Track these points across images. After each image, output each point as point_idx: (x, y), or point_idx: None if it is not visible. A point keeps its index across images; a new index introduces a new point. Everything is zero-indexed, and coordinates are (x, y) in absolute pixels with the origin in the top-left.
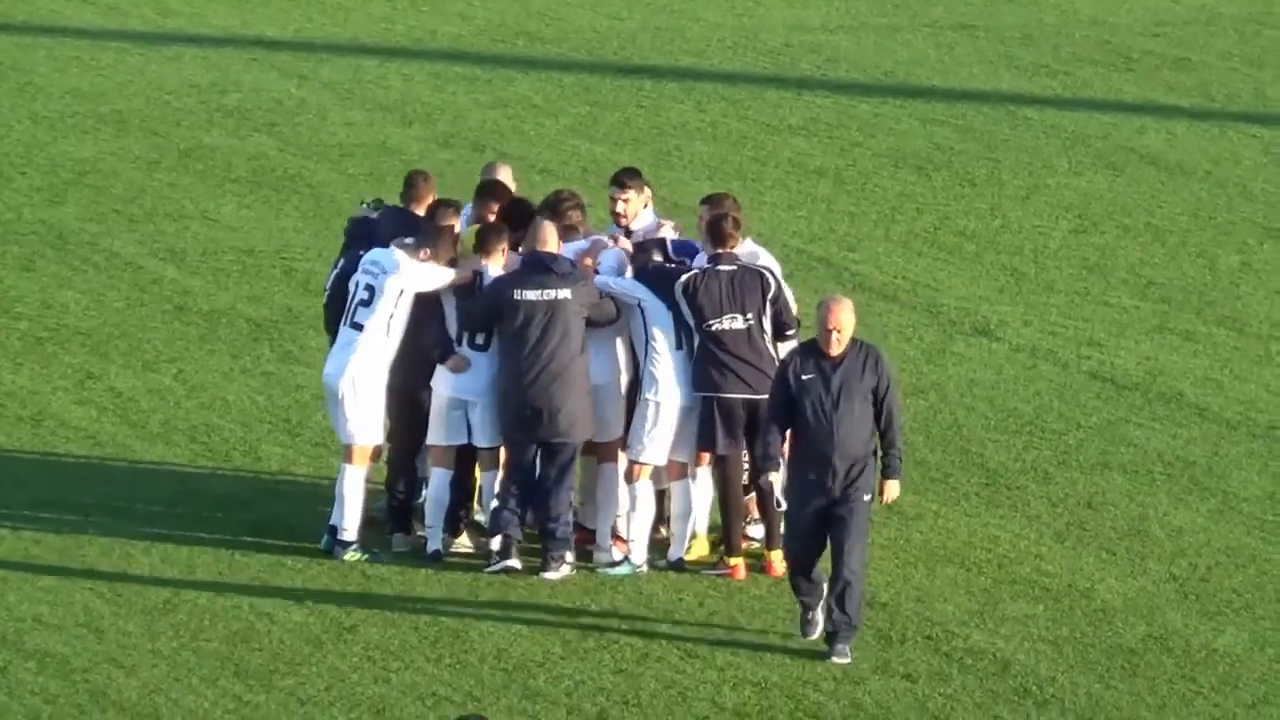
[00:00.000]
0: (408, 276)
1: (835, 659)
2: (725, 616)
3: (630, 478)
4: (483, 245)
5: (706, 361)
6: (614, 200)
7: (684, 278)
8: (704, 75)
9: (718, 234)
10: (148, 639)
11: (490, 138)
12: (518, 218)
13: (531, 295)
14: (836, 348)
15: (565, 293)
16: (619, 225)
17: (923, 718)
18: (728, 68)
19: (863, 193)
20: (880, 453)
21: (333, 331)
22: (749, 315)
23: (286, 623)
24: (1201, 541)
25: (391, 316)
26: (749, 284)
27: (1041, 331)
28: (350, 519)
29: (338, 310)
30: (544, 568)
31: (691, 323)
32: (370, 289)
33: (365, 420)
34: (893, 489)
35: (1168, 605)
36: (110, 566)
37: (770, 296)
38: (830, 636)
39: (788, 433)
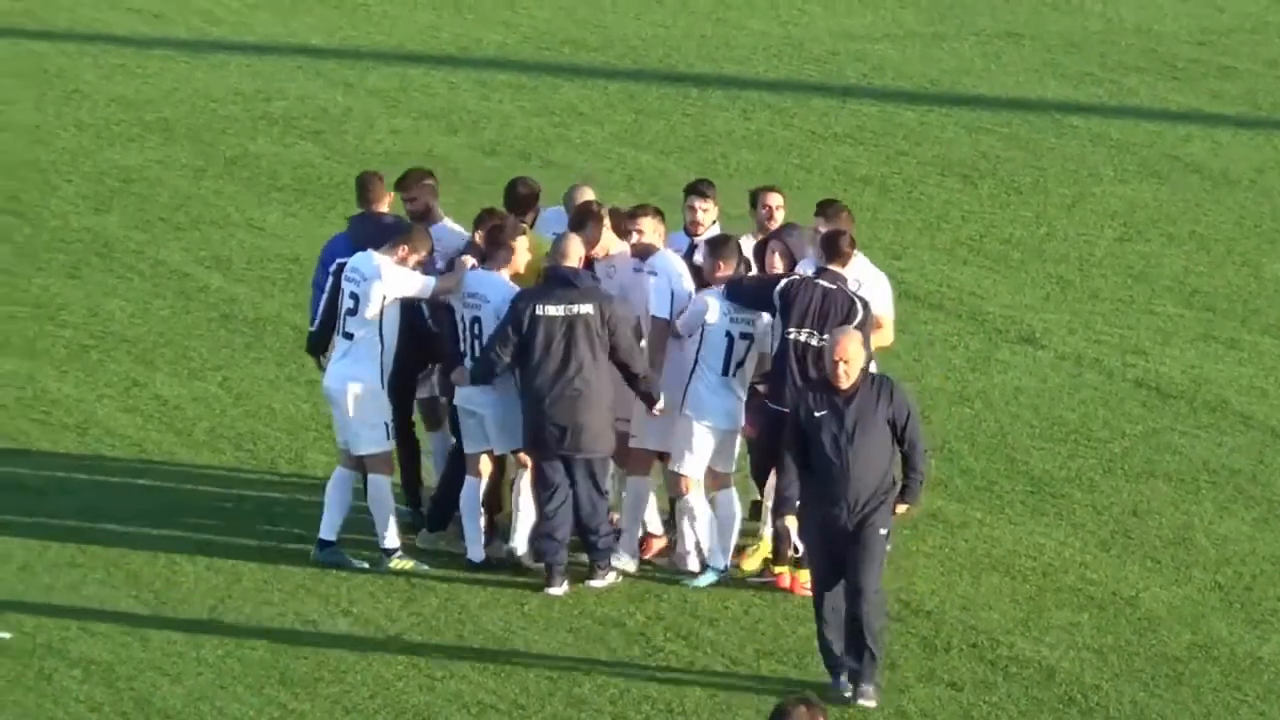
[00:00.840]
0: (389, 282)
1: (861, 701)
2: (770, 624)
3: (680, 490)
4: (489, 255)
5: (782, 373)
6: (693, 209)
7: (784, 282)
8: (749, 83)
9: (832, 250)
10: (192, 647)
11: (536, 145)
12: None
13: (553, 311)
14: (846, 381)
15: (587, 308)
16: (691, 235)
17: None
18: (773, 76)
19: (908, 201)
20: (902, 476)
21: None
22: (825, 336)
23: (331, 630)
24: (1246, 550)
25: (381, 322)
26: (838, 306)
27: (1086, 340)
28: (387, 527)
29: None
30: (590, 576)
31: (779, 329)
32: (355, 297)
33: (366, 428)
34: (907, 513)
35: (1212, 614)
36: (155, 574)
37: (855, 324)
38: (854, 676)
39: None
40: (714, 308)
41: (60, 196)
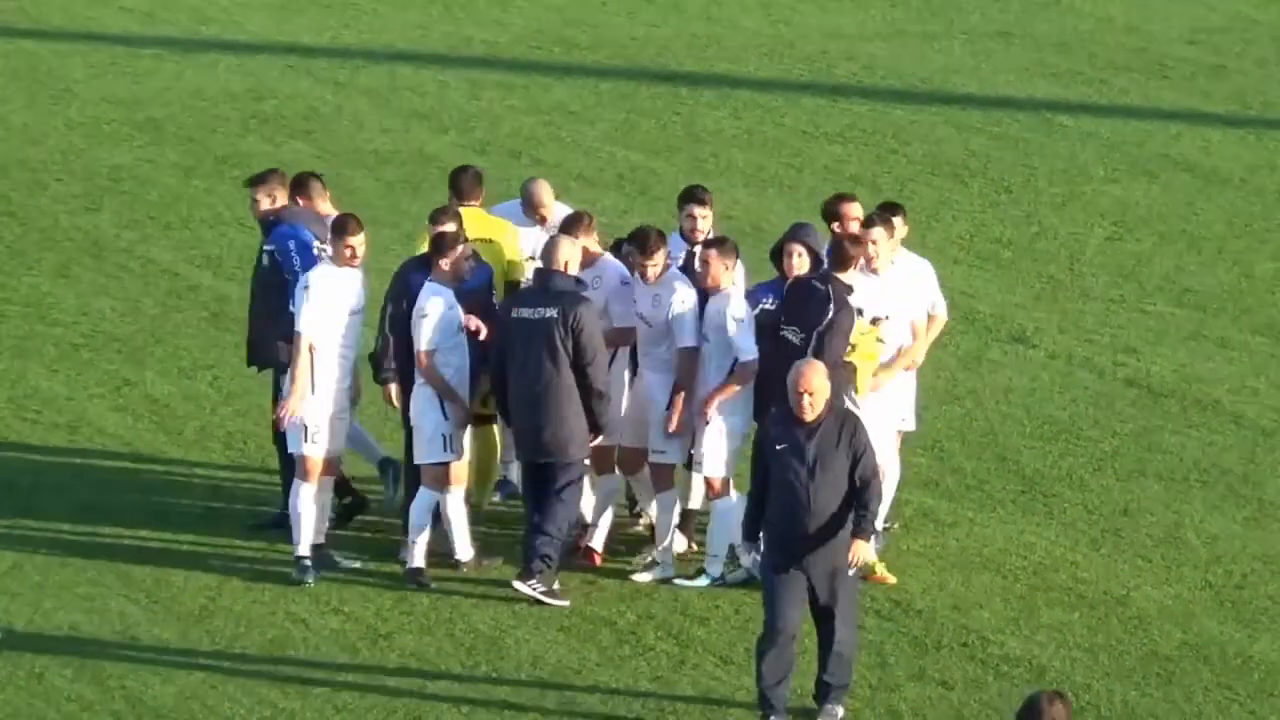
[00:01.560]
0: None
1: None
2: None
3: (712, 491)
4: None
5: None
6: (693, 217)
7: (790, 279)
8: (740, 82)
9: (835, 255)
10: (183, 645)
11: (526, 145)
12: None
13: (525, 314)
14: (810, 413)
15: (551, 312)
16: (690, 242)
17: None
18: (764, 75)
19: (899, 200)
20: (853, 513)
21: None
22: (803, 335)
23: (322, 630)
24: (1237, 549)
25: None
26: (818, 305)
27: (1077, 339)
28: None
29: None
30: (518, 577)
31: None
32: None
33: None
34: (862, 550)
35: (1203, 613)
36: (146, 573)
37: (822, 327)
38: (822, 689)
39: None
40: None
41: (50, 195)
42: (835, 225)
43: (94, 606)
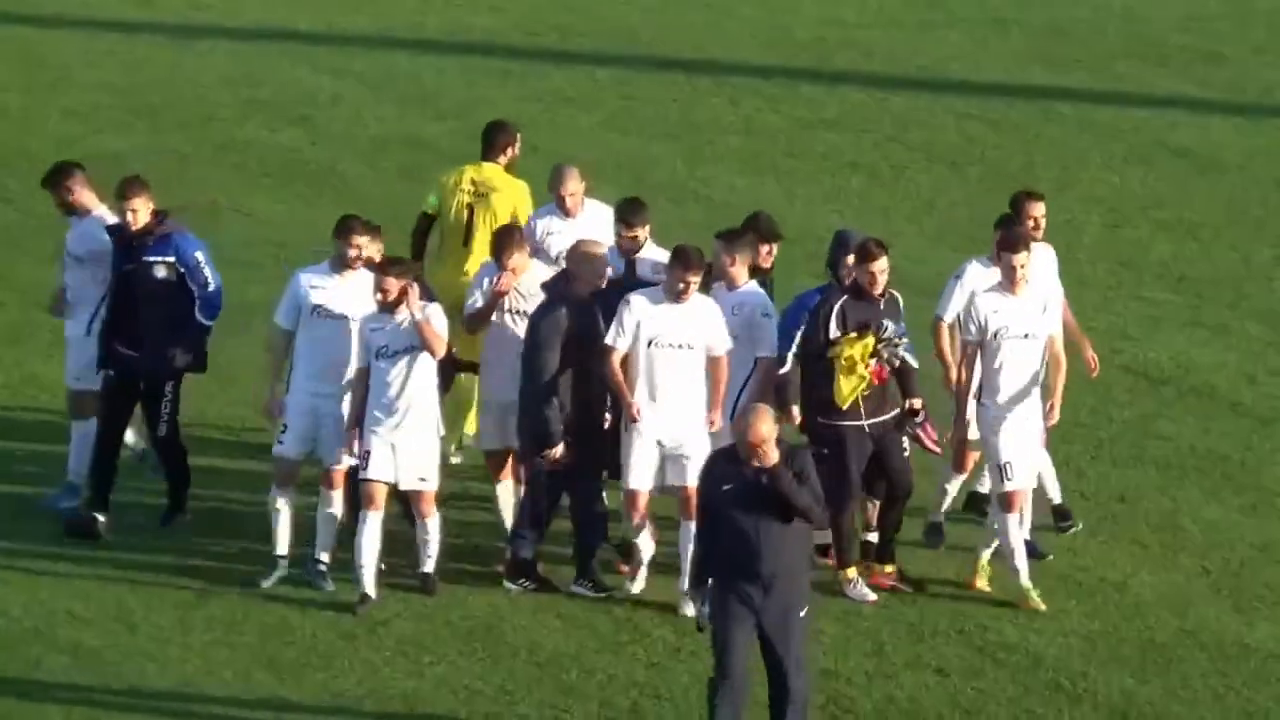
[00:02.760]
0: None
1: None
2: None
3: None
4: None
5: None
6: (624, 238)
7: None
8: (738, 69)
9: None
10: (180, 633)
11: (523, 132)
12: None
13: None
14: (766, 459)
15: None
16: (627, 255)
17: (955, 712)
18: (761, 62)
19: (896, 187)
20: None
21: None
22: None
23: (319, 617)
24: (1235, 536)
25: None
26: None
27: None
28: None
29: None
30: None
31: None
32: None
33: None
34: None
35: (1200, 600)
36: (143, 560)
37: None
38: None
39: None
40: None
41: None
42: (1026, 222)
43: (90, 594)
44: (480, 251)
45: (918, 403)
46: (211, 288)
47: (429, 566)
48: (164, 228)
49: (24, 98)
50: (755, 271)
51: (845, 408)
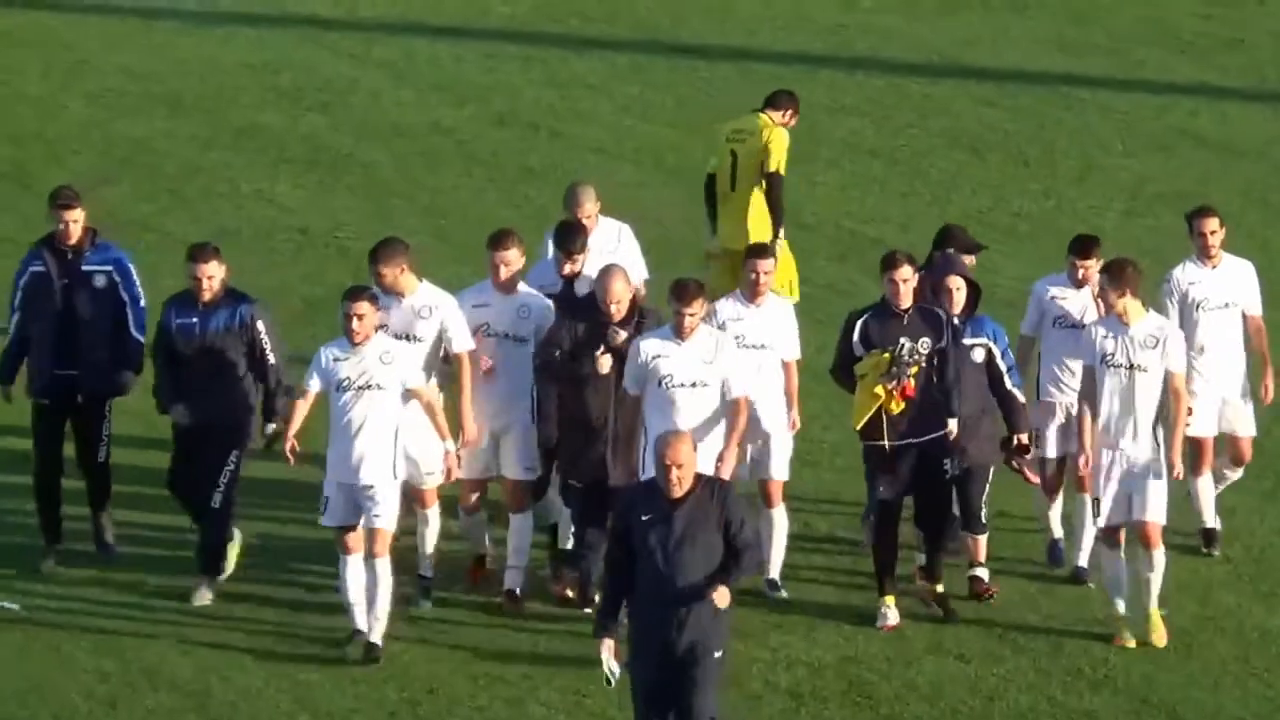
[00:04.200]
0: None
1: None
2: (776, 598)
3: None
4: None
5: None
6: (564, 266)
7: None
8: (757, 55)
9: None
10: (201, 619)
11: (544, 118)
12: None
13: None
14: (678, 488)
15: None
16: (567, 278)
17: (976, 698)
18: (781, 48)
19: (916, 173)
20: (724, 568)
21: None
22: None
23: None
24: (1255, 523)
25: None
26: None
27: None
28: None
29: None
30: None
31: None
32: None
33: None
34: (721, 594)
35: (1221, 586)
36: (162, 546)
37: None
38: None
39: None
40: None
41: (68, 169)
42: (1197, 239)
43: (110, 578)
44: (742, 198)
45: (1024, 438)
46: (142, 301)
47: (375, 634)
48: (98, 240)
49: (44, 83)
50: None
51: (859, 427)
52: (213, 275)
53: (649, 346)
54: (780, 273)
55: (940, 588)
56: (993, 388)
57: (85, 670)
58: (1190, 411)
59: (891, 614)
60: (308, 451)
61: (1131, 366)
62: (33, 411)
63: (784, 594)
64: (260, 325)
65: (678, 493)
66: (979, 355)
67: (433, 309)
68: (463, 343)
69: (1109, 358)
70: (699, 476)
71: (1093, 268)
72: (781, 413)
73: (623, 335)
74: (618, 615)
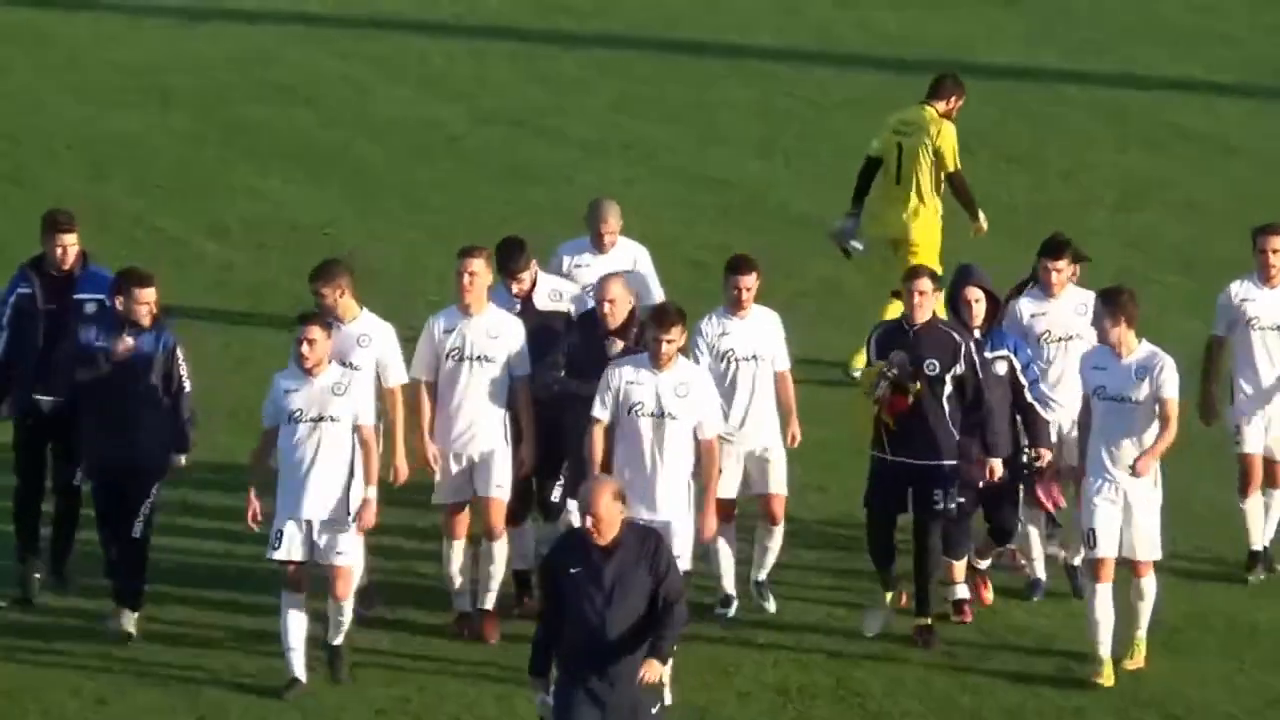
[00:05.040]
0: None
1: None
2: (762, 606)
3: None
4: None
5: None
6: (509, 285)
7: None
8: (748, 52)
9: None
10: (188, 616)
11: (532, 114)
12: None
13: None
14: (601, 538)
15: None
16: (518, 296)
17: (964, 693)
18: (772, 44)
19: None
20: (652, 634)
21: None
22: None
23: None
24: (1242, 519)
25: None
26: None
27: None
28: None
29: None
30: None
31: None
32: None
33: None
34: (653, 669)
35: (1209, 582)
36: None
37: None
38: None
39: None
40: None
41: (58, 164)
42: (1259, 256)
43: (97, 577)
44: (907, 188)
45: (1045, 452)
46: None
47: (341, 674)
48: (89, 265)
49: (35, 79)
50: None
51: (871, 437)
52: (149, 301)
53: (623, 372)
54: (931, 249)
55: (929, 620)
56: (1014, 400)
57: (74, 667)
58: (1238, 430)
59: (873, 620)
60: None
61: (1123, 399)
62: (14, 432)
63: (771, 606)
64: (180, 352)
65: (602, 542)
66: (1001, 368)
67: (371, 338)
68: (397, 376)
69: (1101, 390)
70: (630, 524)
71: (1064, 269)
72: (777, 425)
73: (620, 345)
74: (548, 667)
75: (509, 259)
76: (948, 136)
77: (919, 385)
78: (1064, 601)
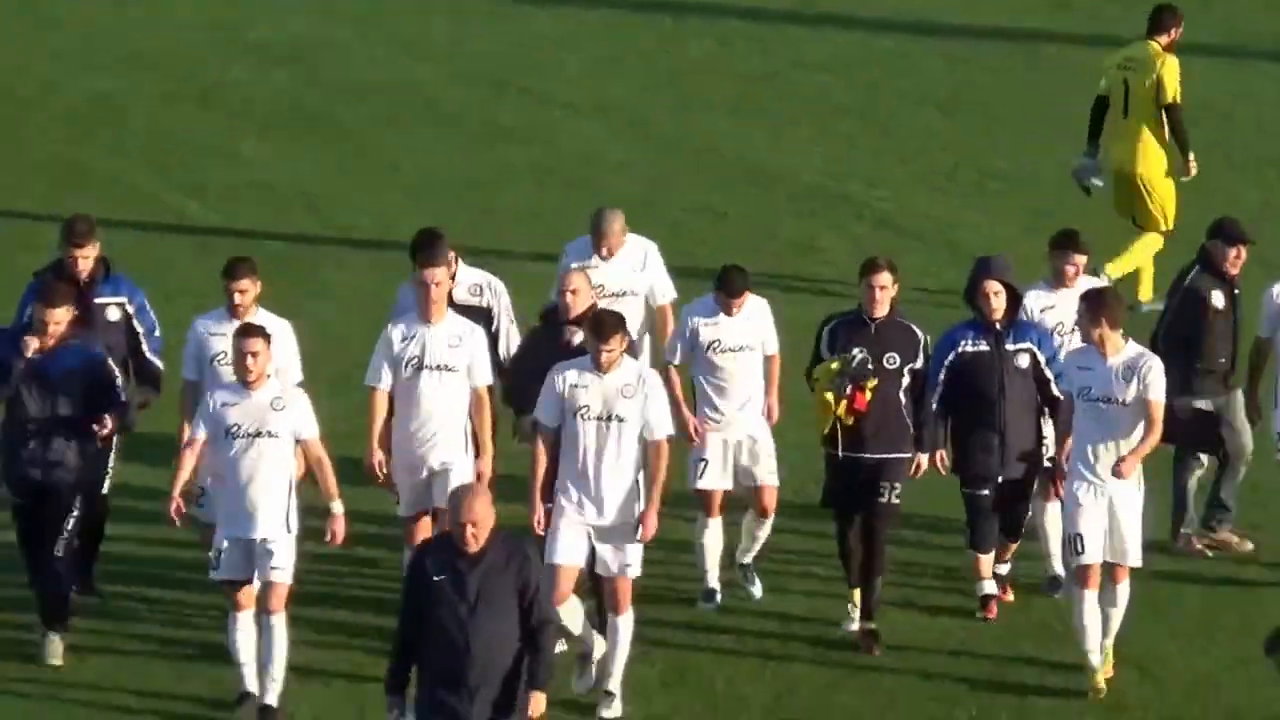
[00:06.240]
0: None
1: None
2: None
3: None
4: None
5: None
6: (429, 285)
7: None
8: (726, 11)
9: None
10: (175, 618)
11: (511, 74)
12: None
13: None
14: (473, 545)
15: None
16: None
17: (943, 652)
18: (750, 4)
19: (885, 130)
20: (527, 661)
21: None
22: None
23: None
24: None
25: None
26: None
27: None
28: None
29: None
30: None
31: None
32: None
33: None
34: (538, 703)
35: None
36: (149, 509)
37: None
38: None
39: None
40: None
41: (35, 126)
42: None
43: (107, 550)
44: (1134, 125)
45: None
46: (157, 331)
47: (270, 696)
48: (111, 274)
49: (11, 41)
50: (1220, 276)
51: (824, 433)
52: (61, 321)
53: (568, 376)
54: (1163, 205)
55: (873, 625)
56: (1040, 393)
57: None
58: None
59: (851, 624)
60: None
61: (1109, 400)
62: None
63: (756, 590)
64: (112, 361)
65: (473, 548)
66: (1024, 361)
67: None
68: (295, 375)
69: (1086, 391)
70: (500, 534)
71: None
72: (764, 416)
73: (579, 336)
74: (405, 684)
75: (429, 258)
76: (1170, 69)
77: (875, 380)
78: (1043, 562)
